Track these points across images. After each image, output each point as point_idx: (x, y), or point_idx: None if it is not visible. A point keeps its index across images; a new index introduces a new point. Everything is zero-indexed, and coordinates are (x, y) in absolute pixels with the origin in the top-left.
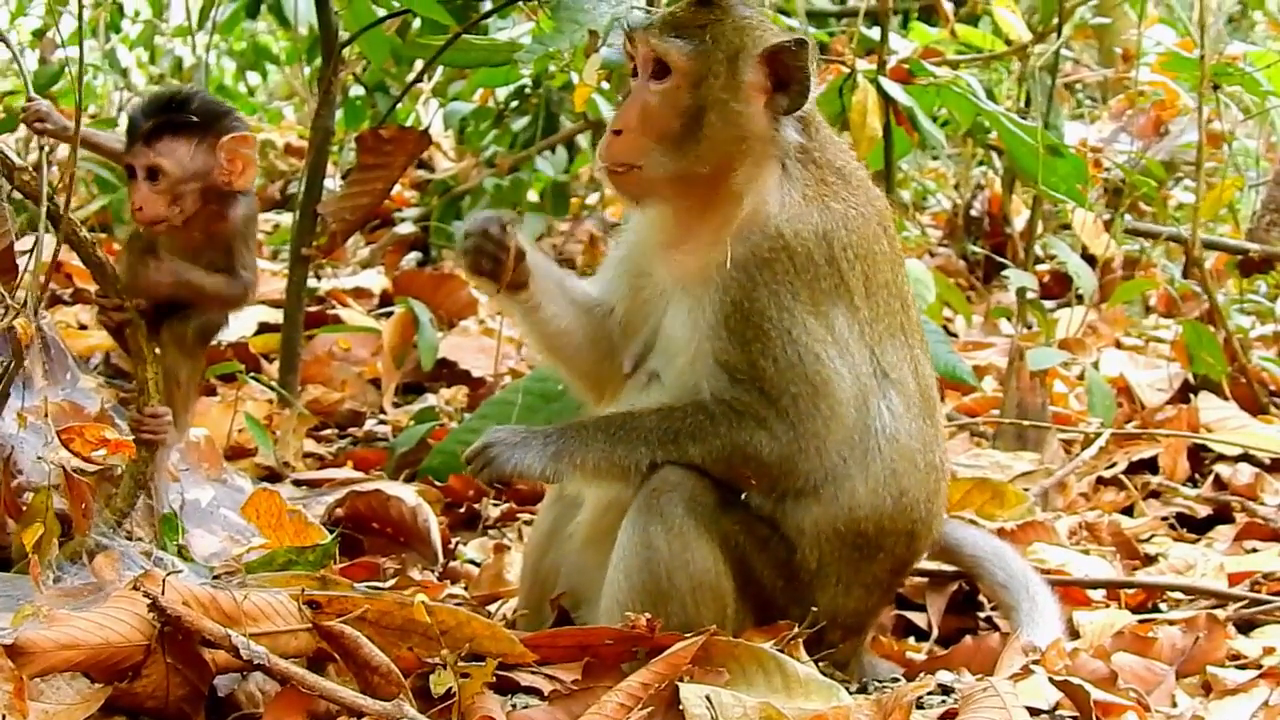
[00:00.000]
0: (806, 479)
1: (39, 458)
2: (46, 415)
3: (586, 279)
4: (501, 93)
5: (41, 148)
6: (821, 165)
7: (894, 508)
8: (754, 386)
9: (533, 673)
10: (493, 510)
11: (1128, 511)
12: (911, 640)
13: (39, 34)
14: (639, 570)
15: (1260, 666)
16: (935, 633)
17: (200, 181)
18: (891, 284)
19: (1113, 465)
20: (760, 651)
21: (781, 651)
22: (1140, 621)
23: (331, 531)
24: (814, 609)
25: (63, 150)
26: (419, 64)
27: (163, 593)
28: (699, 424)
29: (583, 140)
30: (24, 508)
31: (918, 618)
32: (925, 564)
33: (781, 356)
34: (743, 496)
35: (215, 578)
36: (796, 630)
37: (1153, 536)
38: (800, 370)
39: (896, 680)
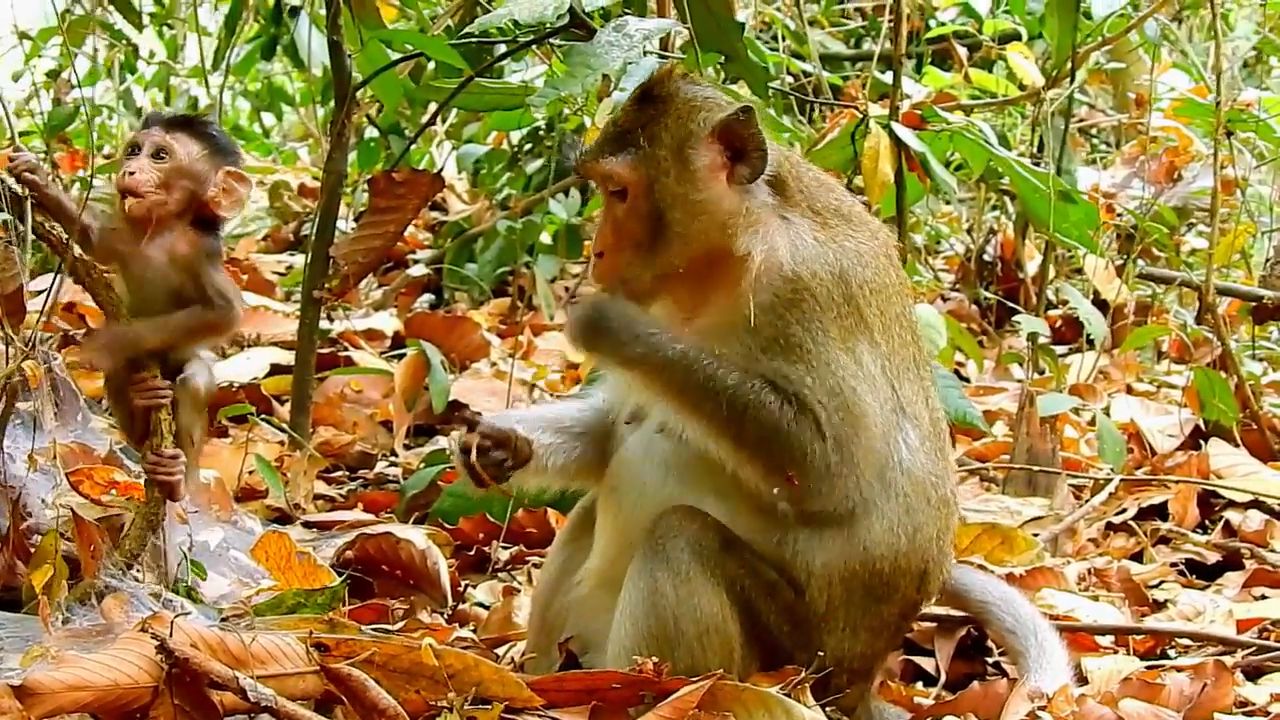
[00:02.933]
0: (837, 504)
1: (42, 500)
2: (55, 457)
3: (587, 391)
4: (515, 136)
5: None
6: (820, 211)
7: (908, 546)
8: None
9: (539, 716)
10: (502, 553)
11: (1137, 557)
12: (919, 685)
13: (54, 74)
14: (645, 615)
15: (1268, 713)
16: (943, 678)
17: (194, 186)
18: (903, 316)
19: (1123, 511)
20: (767, 696)
21: (788, 696)
22: (1148, 668)
23: (340, 574)
24: (820, 654)
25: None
26: (432, 107)
27: (171, 634)
28: (767, 401)
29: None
30: (33, 550)
31: (926, 663)
32: (934, 609)
33: (824, 383)
34: (774, 493)
35: (224, 620)
36: (803, 675)
37: (1162, 583)
38: (842, 399)
39: None
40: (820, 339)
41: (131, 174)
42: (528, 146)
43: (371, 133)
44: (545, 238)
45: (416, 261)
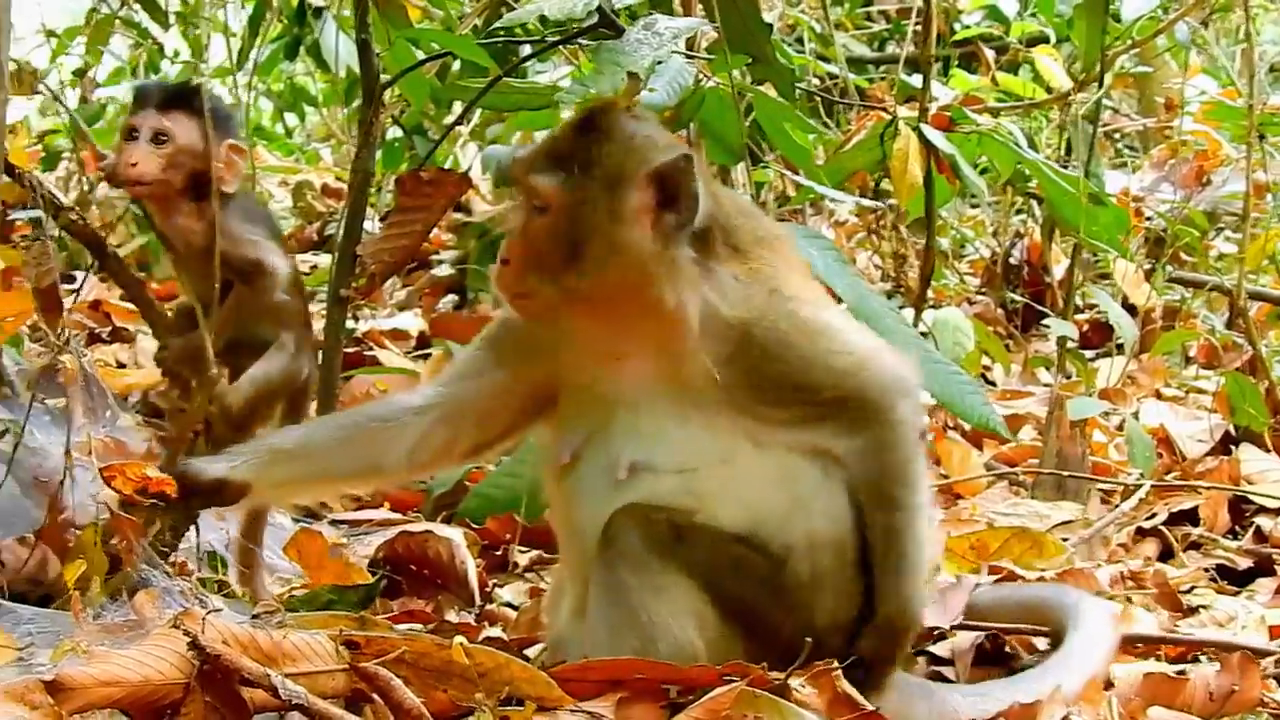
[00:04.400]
0: None
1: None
2: (91, 452)
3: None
4: (539, 136)
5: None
6: (742, 249)
7: None
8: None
9: (570, 714)
10: (520, 556)
11: (1164, 561)
12: None
13: (80, 73)
14: (613, 606)
15: None
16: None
17: (198, 164)
18: None
19: (1152, 516)
20: (781, 705)
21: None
22: (1178, 674)
23: (374, 573)
24: (808, 640)
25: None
26: (457, 106)
27: (202, 631)
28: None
29: None
30: (69, 545)
31: (947, 672)
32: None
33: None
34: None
35: (255, 617)
36: (829, 665)
37: (1194, 588)
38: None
39: None
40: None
41: (134, 165)
42: None
43: (395, 133)
44: None
45: (441, 262)
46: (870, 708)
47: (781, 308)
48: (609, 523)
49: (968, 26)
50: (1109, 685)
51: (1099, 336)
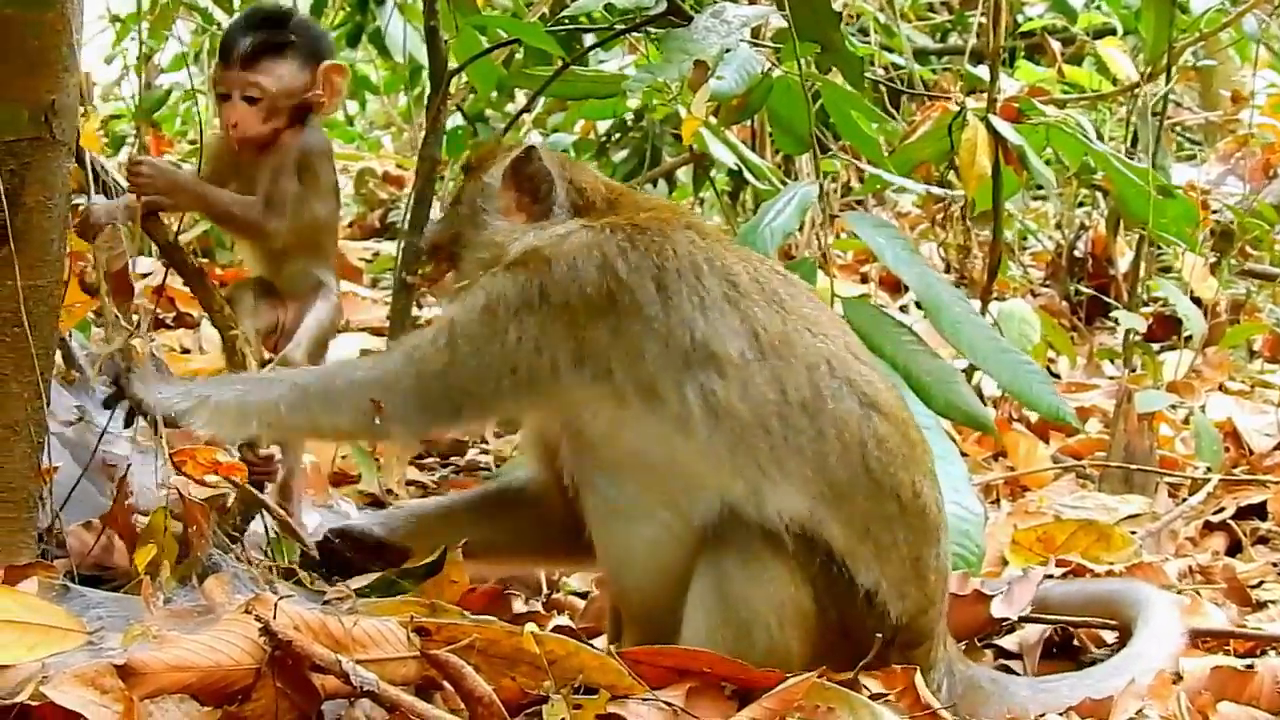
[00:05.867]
0: None
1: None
2: (161, 436)
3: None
4: (602, 125)
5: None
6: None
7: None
8: None
9: (641, 702)
10: None
11: (1232, 554)
12: None
13: (145, 58)
14: (717, 600)
15: None
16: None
17: (295, 100)
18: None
19: (1220, 510)
20: (852, 698)
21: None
22: (1246, 668)
23: None
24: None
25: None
26: (521, 94)
27: (274, 617)
28: None
29: (683, 174)
30: (137, 530)
31: (1017, 666)
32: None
33: None
34: None
35: (326, 603)
36: (905, 667)
37: (1262, 582)
38: None
39: None
40: None
41: (235, 125)
42: (615, 136)
43: (455, 120)
44: None
45: None
46: (938, 705)
47: None
48: (722, 517)
49: (1031, 18)
50: (1177, 679)
51: (1164, 330)
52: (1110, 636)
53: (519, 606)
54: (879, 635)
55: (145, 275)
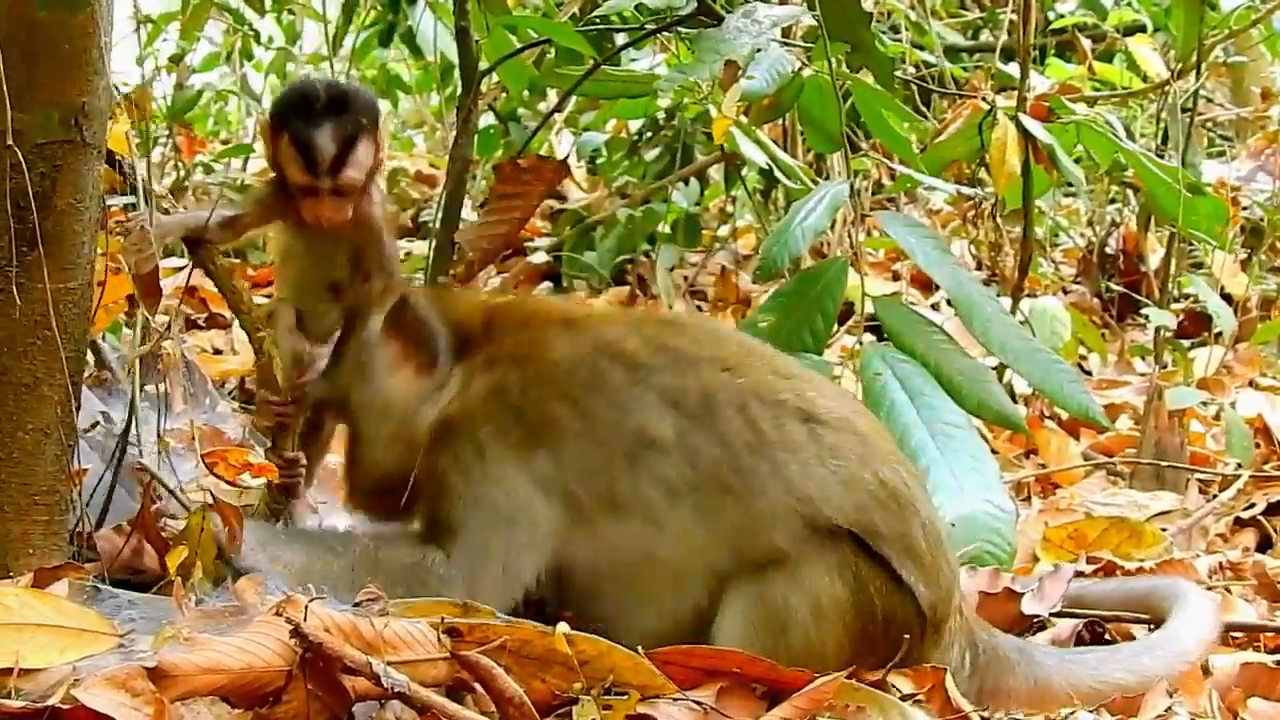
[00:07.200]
0: None
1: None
2: (195, 439)
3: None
4: (634, 124)
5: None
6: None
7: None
8: None
9: (672, 702)
10: None
11: (1262, 550)
12: None
13: (176, 59)
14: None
15: None
16: None
17: (373, 171)
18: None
19: (1251, 506)
20: (882, 698)
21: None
22: (1277, 664)
23: None
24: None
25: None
26: (552, 93)
27: (305, 619)
28: None
29: (714, 172)
30: (164, 534)
31: None
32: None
33: None
34: None
35: (357, 605)
36: (935, 666)
37: None
38: None
39: None
40: None
41: (328, 218)
42: (647, 135)
43: (487, 120)
44: (665, 226)
45: (535, 249)
46: (969, 708)
47: None
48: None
49: (1062, 15)
50: (1207, 674)
51: (1194, 326)
52: (1141, 632)
53: None
54: (906, 635)
55: (178, 270)
